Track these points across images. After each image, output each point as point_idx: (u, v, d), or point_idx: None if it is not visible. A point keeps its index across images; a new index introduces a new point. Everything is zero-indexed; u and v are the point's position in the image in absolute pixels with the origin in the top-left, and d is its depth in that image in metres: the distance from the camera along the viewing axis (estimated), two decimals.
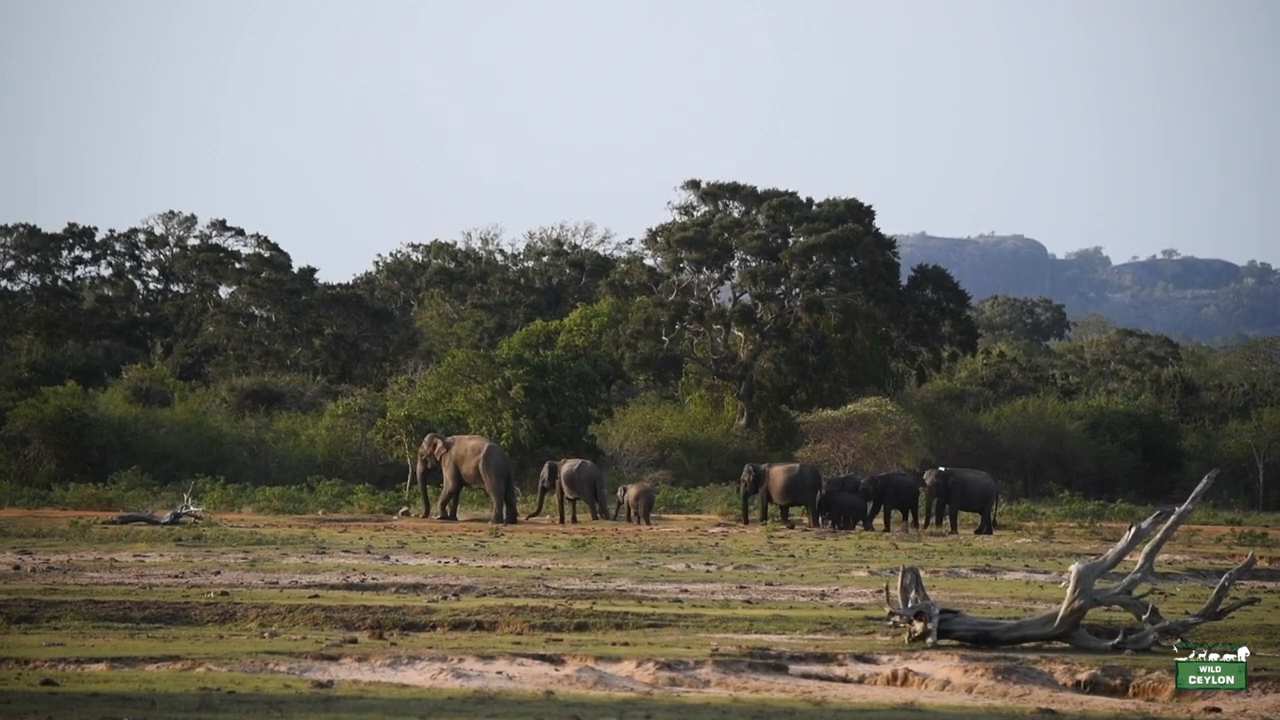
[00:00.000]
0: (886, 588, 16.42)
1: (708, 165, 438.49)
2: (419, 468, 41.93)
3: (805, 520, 41.53)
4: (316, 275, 74.53)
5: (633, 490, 41.72)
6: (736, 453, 58.13)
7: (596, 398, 56.45)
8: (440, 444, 41.30)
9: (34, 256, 74.59)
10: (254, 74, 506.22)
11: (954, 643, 15.43)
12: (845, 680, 13.96)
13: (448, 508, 40.75)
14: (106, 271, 76.78)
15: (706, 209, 63.24)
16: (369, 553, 27.47)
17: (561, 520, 41.07)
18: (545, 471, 42.64)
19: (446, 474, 40.98)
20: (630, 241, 79.62)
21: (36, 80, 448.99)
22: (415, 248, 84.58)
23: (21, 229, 74.50)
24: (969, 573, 25.87)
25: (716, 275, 62.56)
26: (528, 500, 46.64)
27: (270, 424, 56.66)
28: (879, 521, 41.37)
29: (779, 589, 21.98)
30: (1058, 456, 61.11)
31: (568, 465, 42.27)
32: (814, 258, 61.22)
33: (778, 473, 41.74)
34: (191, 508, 37.24)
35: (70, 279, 76.09)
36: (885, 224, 79.71)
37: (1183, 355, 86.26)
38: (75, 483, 44.45)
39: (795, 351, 60.63)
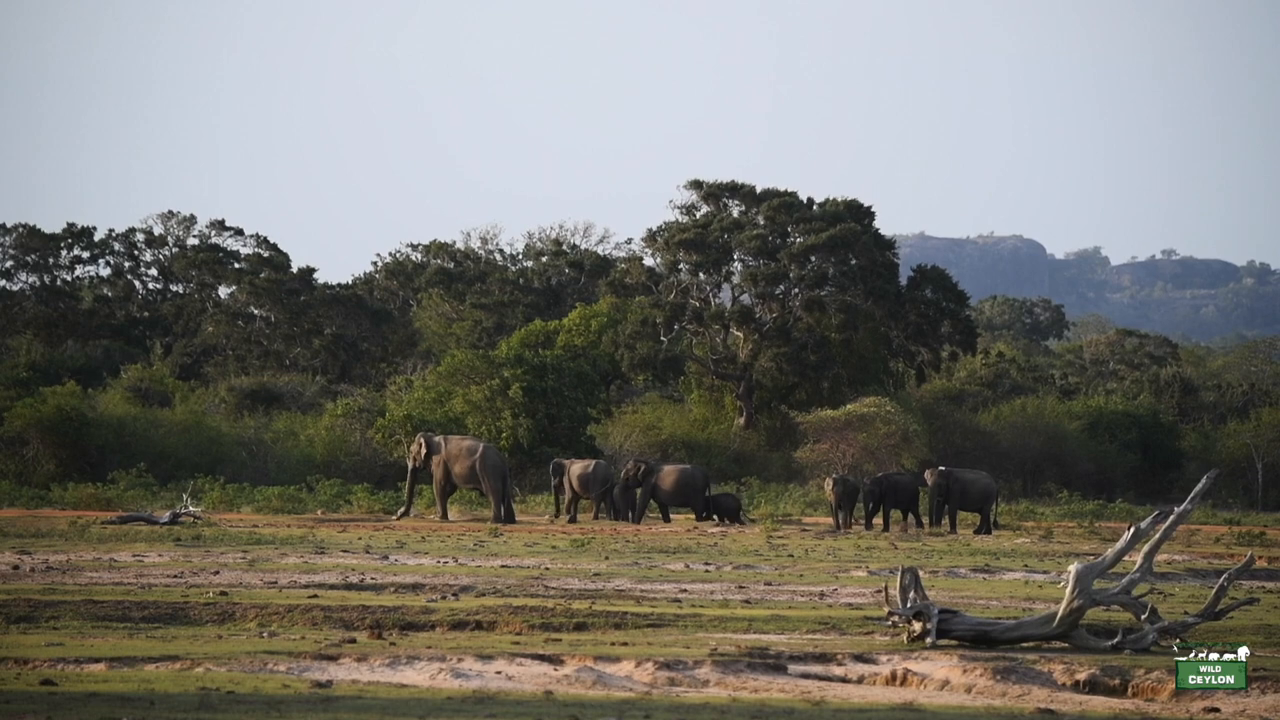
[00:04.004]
0: (885, 588, 16.42)
1: (707, 165, 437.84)
2: (410, 467, 41.91)
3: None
4: (315, 275, 74.57)
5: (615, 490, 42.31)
6: (737, 453, 58.16)
7: (596, 398, 56.44)
8: (424, 444, 41.16)
9: (33, 256, 74.56)
10: (253, 74, 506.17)
11: (953, 643, 15.43)
12: (844, 680, 13.96)
13: (444, 507, 40.79)
14: (105, 271, 76.81)
15: (707, 209, 63.21)
16: (368, 552, 27.47)
17: (558, 514, 41.26)
18: (553, 469, 42.54)
19: (437, 474, 40.92)
20: (629, 241, 79.64)
21: (36, 80, 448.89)
22: (414, 248, 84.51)
23: (21, 229, 74.46)
24: (968, 573, 25.86)
25: (716, 276, 62.54)
26: (527, 501, 46.66)
27: (269, 424, 56.66)
28: (878, 521, 41.45)
29: (778, 589, 21.98)
30: (1057, 456, 61.09)
31: (580, 465, 42.33)
32: (813, 258, 61.20)
33: (669, 472, 42.20)
34: (190, 508, 37.22)
35: (69, 279, 76.05)
36: (885, 224, 79.83)
37: (1182, 355, 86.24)
38: (74, 483, 44.41)
39: (795, 351, 60.61)
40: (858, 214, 62.29)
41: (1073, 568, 15.86)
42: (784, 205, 62.23)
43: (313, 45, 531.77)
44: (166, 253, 77.48)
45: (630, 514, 41.76)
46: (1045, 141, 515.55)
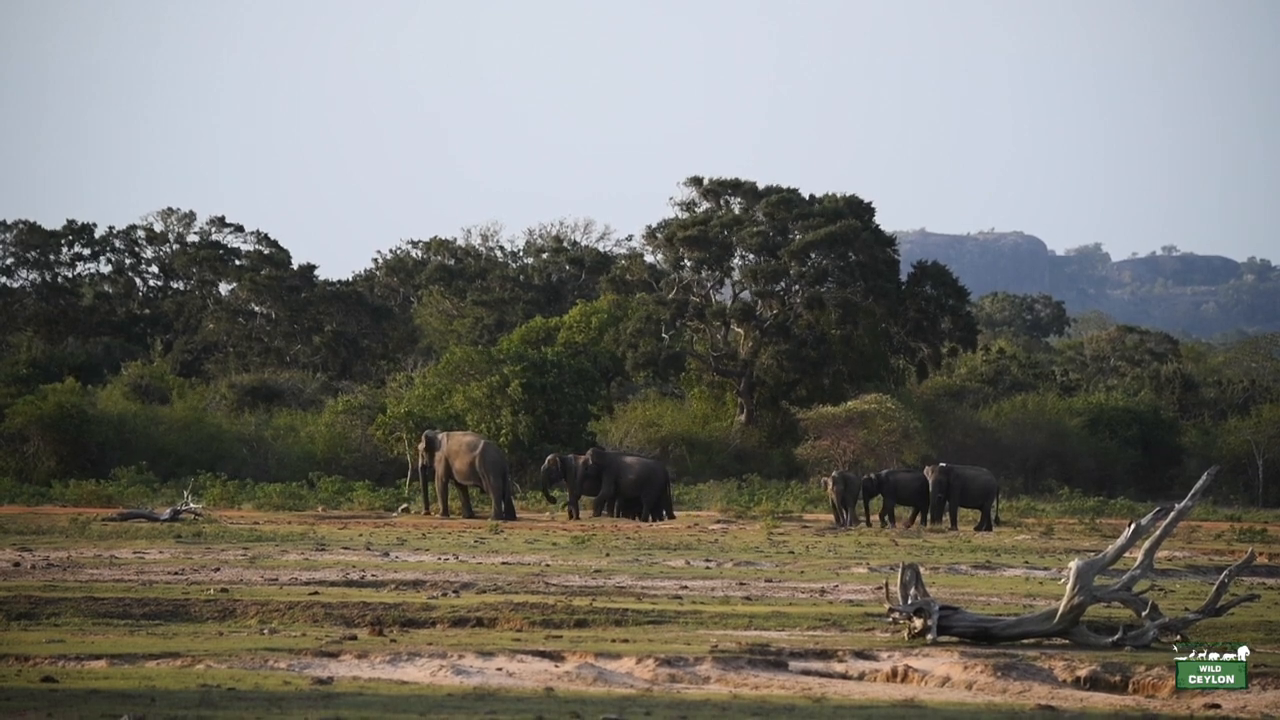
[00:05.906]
0: (886, 584, 16.40)
1: (708, 163, 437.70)
2: (418, 464, 41.89)
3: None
4: (316, 272, 74.59)
5: None
6: (737, 449, 58.14)
7: (596, 394, 56.42)
8: (424, 440, 41.13)
9: (34, 253, 74.53)
10: (253, 71, 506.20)
11: (954, 639, 15.43)
12: (845, 677, 13.95)
13: (445, 503, 40.78)
14: (106, 268, 76.78)
15: (708, 205, 63.21)
16: (369, 549, 27.46)
17: (562, 506, 41.50)
18: (559, 464, 42.40)
19: (438, 470, 40.90)
20: (630, 238, 79.65)
21: (36, 77, 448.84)
22: (415, 244, 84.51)
23: (21, 225, 74.42)
24: (969, 569, 25.86)
25: (717, 273, 62.53)
26: (528, 497, 46.65)
27: (270, 421, 56.67)
28: (876, 517, 41.45)
29: (779, 585, 21.97)
30: (1057, 453, 61.09)
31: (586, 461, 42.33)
32: (813, 254, 61.20)
33: (630, 465, 42.05)
34: (191, 504, 37.19)
35: (70, 276, 76.02)
36: (885, 220, 79.64)
37: (1182, 352, 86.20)
38: (75, 479, 44.39)
39: (795, 348, 60.61)
40: (858, 210, 62.28)
41: (1073, 564, 15.86)
42: (784, 201, 62.22)
43: (313, 43, 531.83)
44: (167, 250, 77.44)
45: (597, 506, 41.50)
46: (1046, 138, 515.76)
